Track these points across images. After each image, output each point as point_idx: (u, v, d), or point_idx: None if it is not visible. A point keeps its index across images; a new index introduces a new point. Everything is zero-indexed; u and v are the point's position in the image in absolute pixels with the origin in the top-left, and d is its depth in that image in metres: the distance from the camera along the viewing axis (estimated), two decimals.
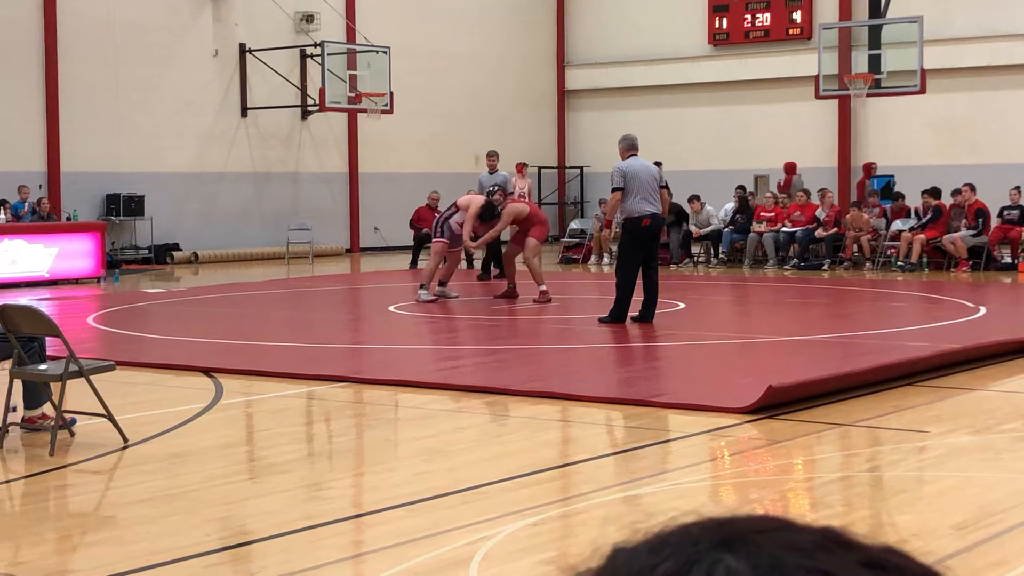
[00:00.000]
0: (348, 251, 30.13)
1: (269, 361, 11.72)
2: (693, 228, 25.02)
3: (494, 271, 20.44)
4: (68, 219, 23.73)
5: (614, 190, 14.10)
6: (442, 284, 17.48)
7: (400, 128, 29.77)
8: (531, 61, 33.91)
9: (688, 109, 32.05)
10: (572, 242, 27.22)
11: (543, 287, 16.67)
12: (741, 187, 25.94)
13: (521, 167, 25.72)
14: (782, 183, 26.36)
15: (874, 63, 24.75)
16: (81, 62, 25.32)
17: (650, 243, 14.11)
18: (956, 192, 22.94)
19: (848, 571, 0.85)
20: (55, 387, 8.40)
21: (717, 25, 31.99)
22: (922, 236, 22.50)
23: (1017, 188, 23.16)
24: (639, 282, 14.10)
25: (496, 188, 17.59)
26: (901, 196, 24.08)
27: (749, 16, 31.59)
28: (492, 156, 21.19)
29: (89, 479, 7.65)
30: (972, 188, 22.83)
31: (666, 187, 14.54)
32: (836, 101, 28.77)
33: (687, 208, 25.27)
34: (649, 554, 0.88)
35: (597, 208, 26.95)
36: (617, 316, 14.04)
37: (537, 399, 9.76)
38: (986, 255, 22.24)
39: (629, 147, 14.23)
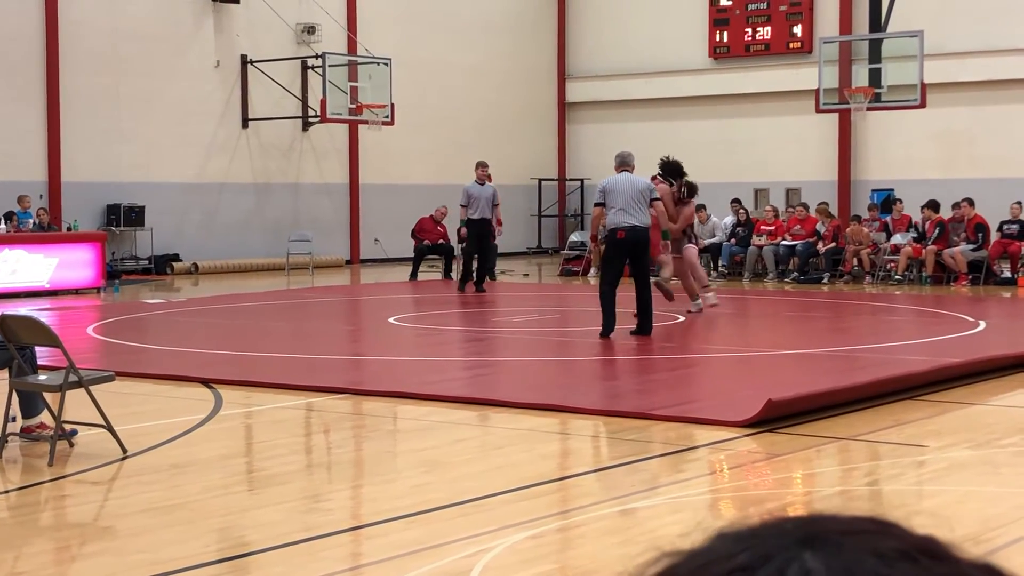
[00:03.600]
0: (348, 262, 30.13)
1: (268, 372, 11.72)
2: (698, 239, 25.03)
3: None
4: (68, 229, 23.73)
5: (595, 205, 14.40)
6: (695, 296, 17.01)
7: (401, 140, 29.79)
8: (532, 73, 33.94)
9: (688, 122, 32.08)
10: (572, 254, 27.23)
11: (697, 301, 16.68)
12: (737, 200, 25.90)
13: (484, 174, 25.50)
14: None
15: (874, 77, 24.77)
16: (82, 72, 25.35)
17: (630, 255, 14.10)
18: (956, 206, 22.96)
19: None
20: (54, 397, 8.40)
21: (718, 38, 32.04)
22: (932, 248, 22.51)
23: (1019, 203, 23.18)
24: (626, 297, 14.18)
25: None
26: (898, 200, 24.12)
27: (750, 29, 31.64)
28: (483, 167, 20.94)
29: (88, 489, 7.65)
30: (971, 203, 22.86)
31: (659, 200, 14.54)
32: (836, 115, 28.78)
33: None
34: (734, 542, 0.87)
35: None
36: (602, 331, 14.08)
37: (536, 411, 9.75)
38: (986, 269, 22.25)
39: (620, 164, 14.41)
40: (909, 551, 0.85)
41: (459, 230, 21.47)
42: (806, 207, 24.82)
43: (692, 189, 16.78)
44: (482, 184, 20.63)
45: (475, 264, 21.12)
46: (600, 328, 14.13)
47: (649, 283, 14.32)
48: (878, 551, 0.84)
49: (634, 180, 14.22)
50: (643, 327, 14.10)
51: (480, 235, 20.78)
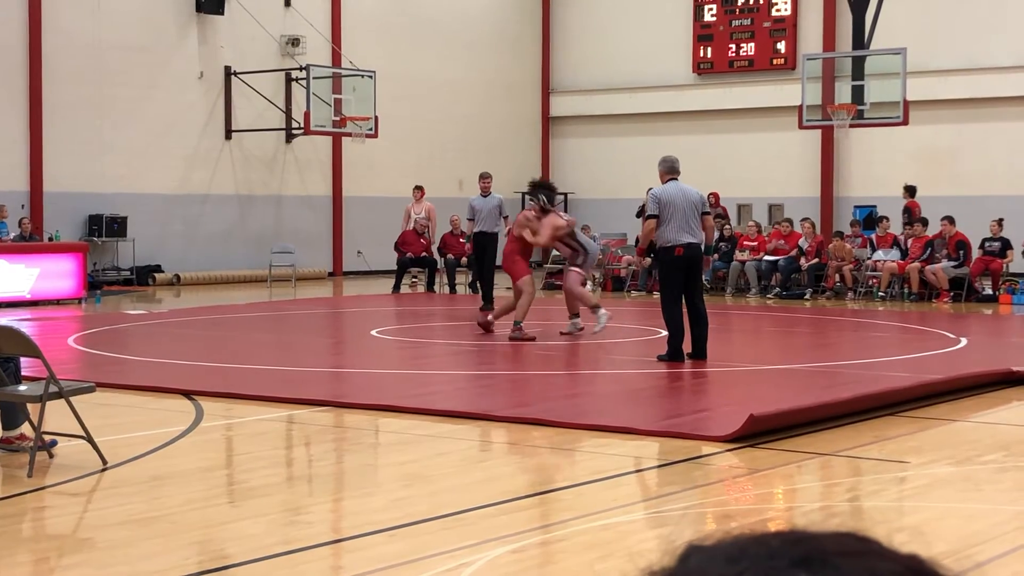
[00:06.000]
0: (331, 274, 30.10)
1: (250, 384, 11.68)
2: None
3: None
4: (50, 239, 23.66)
5: (647, 217, 13.24)
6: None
7: (384, 152, 29.80)
8: (516, 87, 33.99)
9: (672, 137, 32.10)
10: (555, 268, 27.20)
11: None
12: (719, 215, 25.94)
13: (419, 192, 25.18)
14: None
15: (857, 94, 24.87)
16: (66, 82, 25.29)
17: (687, 273, 13.22)
18: (944, 219, 23.08)
19: None
20: (34, 408, 8.36)
21: (702, 54, 32.13)
22: (916, 265, 22.58)
23: (999, 220, 23.28)
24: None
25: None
26: (885, 218, 24.18)
27: (734, 46, 31.74)
28: (486, 178, 20.04)
29: (68, 501, 7.61)
30: (951, 220, 22.94)
31: (710, 213, 13.63)
32: (819, 131, 28.90)
33: None
34: (726, 563, 0.85)
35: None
36: (673, 354, 13.17)
37: (519, 425, 9.74)
38: (967, 286, 22.33)
39: (668, 170, 13.34)
40: (903, 573, 0.84)
41: (465, 245, 20.85)
42: (791, 223, 24.84)
43: (550, 195, 15.55)
44: (485, 196, 19.89)
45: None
46: (667, 350, 13.23)
47: (703, 301, 13.47)
48: (874, 573, 0.82)
49: (687, 192, 13.23)
50: (698, 351, 13.33)
51: (483, 248, 19.73)
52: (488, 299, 19.62)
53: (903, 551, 0.87)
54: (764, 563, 0.84)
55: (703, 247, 13.47)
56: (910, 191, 25.32)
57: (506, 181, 32.01)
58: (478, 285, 20.15)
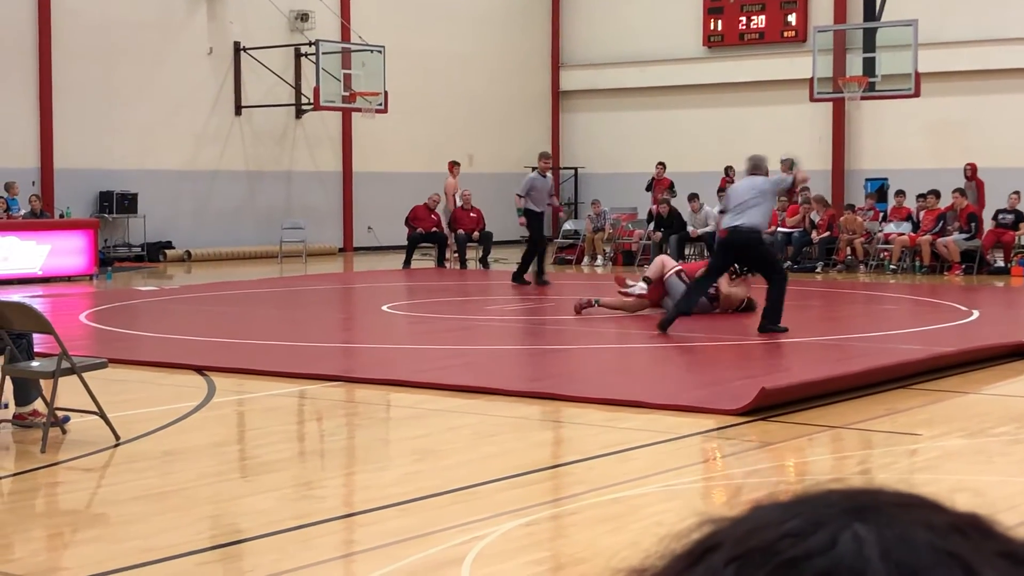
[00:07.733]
0: (341, 250, 30.11)
1: (262, 360, 11.70)
2: (691, 229, 24.84)
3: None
4: (61, 216, 23.69)
5: (719, 212, 14.27)
6: None
7: (394, 128, 29.74)
8: (526, 62, 33.89)
9: (682, 111, 32.06)
10: (566, 243, 27.19)
11: None
12: (723, 190, 25.89)
13: (457, 167, 25.28)
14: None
15: (868, 66, 24.76)
16: (75, 59, 25.28)
17: (736, 256, 13.88)
18: (953, 195, 22.96)
19: (980, 559, 0.83)
20: (47, 384, 8.38)
21: (712, 27, 32.00)
22: (928, 238, 22.49)
23: (1016, 192, 23.18)
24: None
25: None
26: (901, 193, 24.08)
27: (744, 18, 31.60)
28: (548, 158, 20.22)
29: (81, 476, 7.64)
30: (962, 193, 22.85)
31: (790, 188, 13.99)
32: (830, 104, 28.78)
33: (687, 208, 25.20)
34: (782, 510, 0.87)
35: (590, 209, 26.92)
36: (665, 321, 13.53)
37: (530, 399, 9.75)
38: (979, 259, 22.27)
39: (752, 168, 13.76)
40: (960, 525, 0.84)
41: (519, 219, 20.54)
42: (820, 201, 24.54)
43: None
44: (544, 176, 20.00)
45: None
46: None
47: (775, 279, 13.51)
48: (929, 524, 0.84)
49: (749, 180, 13.52)
50: (770, 320, 13.49)
51: (541, 227, 20.00)
52: (542, 272, 19.74)
53: (962, 510, 0.88)
54: (818, 510, 0.85)
55: (763, 230, 13.75)
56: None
57: (516, 156, 32.02)
58: (531, 262, 19.96)
